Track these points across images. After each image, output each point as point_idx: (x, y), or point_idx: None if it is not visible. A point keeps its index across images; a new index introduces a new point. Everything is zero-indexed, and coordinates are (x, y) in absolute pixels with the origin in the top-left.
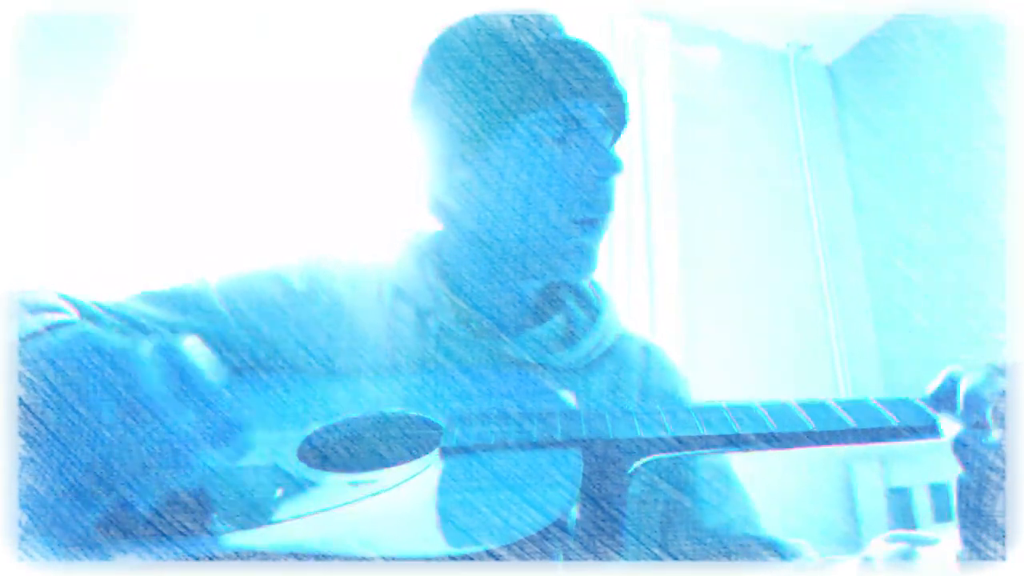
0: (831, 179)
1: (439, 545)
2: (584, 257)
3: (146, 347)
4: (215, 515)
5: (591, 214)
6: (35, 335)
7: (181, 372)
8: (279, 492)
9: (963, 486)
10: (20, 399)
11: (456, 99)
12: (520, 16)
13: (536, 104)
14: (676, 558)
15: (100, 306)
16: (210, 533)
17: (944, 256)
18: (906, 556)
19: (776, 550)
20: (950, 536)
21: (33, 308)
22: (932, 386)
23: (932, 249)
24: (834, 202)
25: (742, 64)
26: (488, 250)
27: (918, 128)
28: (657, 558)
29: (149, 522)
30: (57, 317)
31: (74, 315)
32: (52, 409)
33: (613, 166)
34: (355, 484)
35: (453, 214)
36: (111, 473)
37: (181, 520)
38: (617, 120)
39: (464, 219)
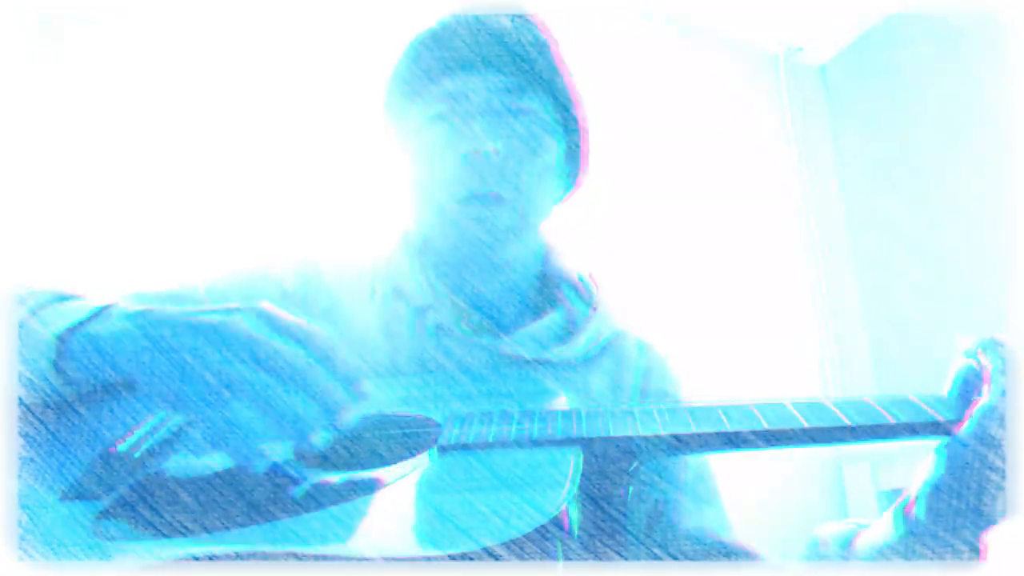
0: (823, 180)
1: (433, 542)
2: (468, 231)
3: (239, 319)
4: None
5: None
6: (87, 321)
7: (294, 334)
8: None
9: (944, 488)
10: (79, 385)
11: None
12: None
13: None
14: (676, 558)
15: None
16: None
17: (935, 258)
18: (849, 534)
19: (747, 559)
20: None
21: (48, 300)
22: (948, 384)
23: (922, 251)
24: (826, 203)
25: (733, 65)
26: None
27: (910, 129)
28: (654, 558)
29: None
30: (82, 302)
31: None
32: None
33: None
34: (353, 482)
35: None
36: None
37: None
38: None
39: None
